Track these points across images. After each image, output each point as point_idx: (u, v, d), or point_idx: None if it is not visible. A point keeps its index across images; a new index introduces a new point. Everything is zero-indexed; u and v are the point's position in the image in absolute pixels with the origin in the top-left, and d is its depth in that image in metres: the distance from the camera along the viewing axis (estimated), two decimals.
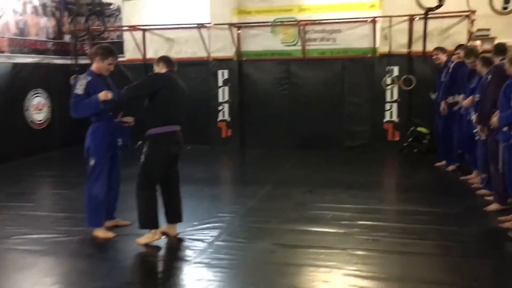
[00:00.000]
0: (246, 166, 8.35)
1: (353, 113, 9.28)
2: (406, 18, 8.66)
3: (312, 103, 9.42)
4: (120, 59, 10.32)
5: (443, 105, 7.00)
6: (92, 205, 4.61)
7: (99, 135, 4.56)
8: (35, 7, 9.28)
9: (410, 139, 8.80)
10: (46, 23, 9.64)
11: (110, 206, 4.86)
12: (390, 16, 8.51)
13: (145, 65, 10.03)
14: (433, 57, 7.43)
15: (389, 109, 9.07)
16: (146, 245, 4.41)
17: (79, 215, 5.29)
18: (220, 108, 9.92)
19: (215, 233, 4.68)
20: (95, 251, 4.38)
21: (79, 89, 4.43)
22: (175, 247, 4.43)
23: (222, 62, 9.83)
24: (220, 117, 9.94)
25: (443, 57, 7.24)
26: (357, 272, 3.70)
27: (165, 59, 4.62)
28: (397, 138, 9.04)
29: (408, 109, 8.98)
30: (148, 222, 4.45)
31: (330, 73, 9.34)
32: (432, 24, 8.66)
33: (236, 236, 4.58)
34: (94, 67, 4.62)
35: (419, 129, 8.77)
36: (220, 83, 9.86)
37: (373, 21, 8.81)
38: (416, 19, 8.58)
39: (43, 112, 9.45)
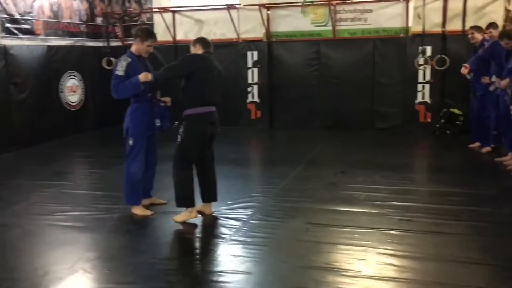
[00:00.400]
0: (276, 147, 8.39)
1: (384, 94, 9.18)
2: None
3: (343, 84, 9.35)
4: None
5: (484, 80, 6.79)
6: (130, 183, 4.74)
7: (138, 116, 4.66)
8: None
9: (442, 121, 8.67)
10: (79, 5, 9.79)
11: (147, 185, 4.99)
12: None
13: (175, 47, 10.14)
14: (469, 36, 7.28)
15: (421, 90, 8.93)
16: (183, 223, 4.53)
17: (116, 193, 5.47)
18: (249, 89, 9.95)
19: (249, 212, 4.76)
20: (134, 228, 4.52)
21: (120, 70, 4.52)
22: (211, 225, 4.53)
23: (251, 44, 9.83)
24: (249, 99, 9.98)
25: (479, 36, 7.07)
26: (392, 252, 3.73)
27: (201, 40, 4.67)
28: (429, 120, 8.91)
29: (441, 90, 8.82)
30: (185, 200, 4.55)
31: (361, 54, 9.23)
32: (468, 2, 8.44)
33: (270, 215, 4.65)
34: (133, 48, 4.70)
35: (452, 110, 8.63)
36: (249, 64, 9.87)
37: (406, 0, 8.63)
38: None
39: (77, 94, 9.66)
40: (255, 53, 9.82)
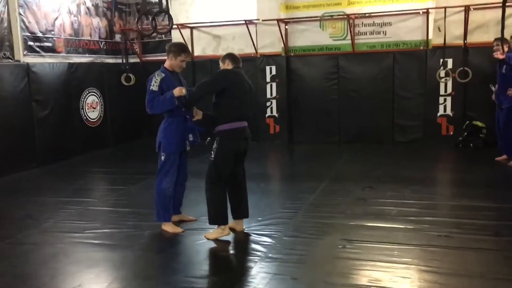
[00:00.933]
0: (297, 161, 8.32)
1: (405, 107, 9.11)
2: (461, 8, 8.40)
3: (362, 98, 9.31)
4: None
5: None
6: (161, 199, 4.70)
7: (171, 131, 4.63)
8: (88, 8, 9.52)
9: (465, 133, 8.57)
10: (98, 23, 9.87)
11: (177, 201, 4.95)
12: (445, 7, 8.26)
13: (193, 63, 10.16)
14: (494, 48, 7.20)
15: (443, 103, 8.85)
16: (215, 240, 4.46)
17: (143, 210, 5.46)
18: (268, 104, 9.93)
19: (281, 228, 4.69)
20: (166, 245, 4.45)
21: (154, 85, 4.51)
22: (244, 242, 4.46)
23: (269, 58, 9.83)
24: (268, 113, 9.95)
25: (505, 48, 6.99)
26: (436, 269, 3.63)
27: (230, 56, 4.65)
28: (451, 133, 8.82)
29: (463, 102, 8.74)
30: (217, 218, 4.49)
31: (381, 67, 9.19)
32: (489, 14, 8.40)
33: (303, 232, 4.57)
34: (167, 64, 4.68)
35: (475, 122, 8.53)
36: (268, 79, 9.87)
37: (427, 12, 8.60)
38: (471, 9, 8.31)
39: (96, 110, 9.69)
40: (273, 67, 9.82)
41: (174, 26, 9.97)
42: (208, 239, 4.49)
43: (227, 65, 4.61)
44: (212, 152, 4.49)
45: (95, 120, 9.67)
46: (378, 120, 9.26)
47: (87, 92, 9.43)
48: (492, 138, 8.19)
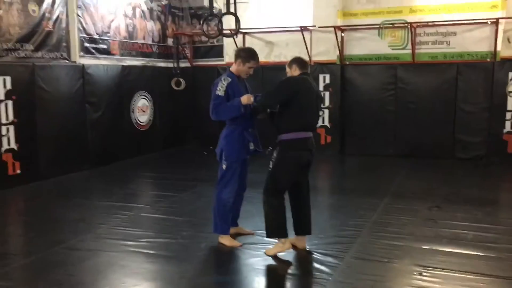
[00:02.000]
0: (352, 174, 7.96)
1: (467, 122, 8.61)
2: None
3: (421, 110, 8.88)
4: (219, 62, 10.54)
5: None
6: (220, 210, 4.46)
7: (234, 139, 4.40)
8: (143, 11, 9.49)
9: None
10: (152, 26, 9.83)
11: (235, 212, 4.71)
12: None
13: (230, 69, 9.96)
14: None
15: (510, 119, 8.30)
16: (275, 257, 4.19)
17: (197, 220, 5.27)
18: (320, 113, 9.56)
19: (345, 248, 4.37)
20: (225, 260, 4.21)
21: (220, 90, 4.30)
22: (307, 261, 4.16)
23: (324, 66, 9.53)
24: (320, 123, 9.62)
25: None
26: None
27: (298, 61, 4.39)
28: None
29: None
30: (276, 231, 4.22)
31: (443, 79, 8.74)
32: None
33: (371, 253, 4.23)
34: (234, 68, 4.47)
35: None
36: (321, 87, 9.55)
37: (496, 22, 8.10)
38: None
39: (146, 114, 9.64)
40: (327, 76, 9.51)
41: (227, 32, 9.89)
42: (268, 255, 4.23)
43: (294, 71, 4.35)
44: (271, 162, 4.23)
45: (144, 123, 9.61)
46: (437, 134, 8.80)
47: (138, 95, 9.38)
48: None
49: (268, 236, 4.29)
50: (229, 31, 8.82)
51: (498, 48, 8.23)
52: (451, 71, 8.65)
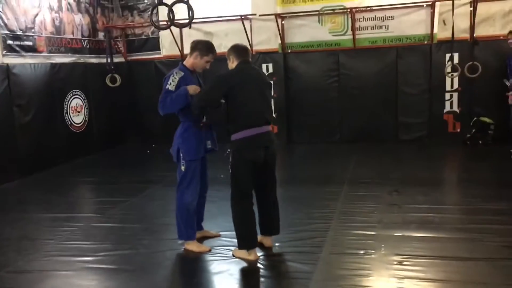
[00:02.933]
0: (304, 163, 7.85)
1: (409, 104, 8.79)
2: (468, 0, 8.13)
3: (364, 96, 8.94)
4: (156, 55, 10.03)
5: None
6: (184, 215, 4.14)
7: (190, 136, 4.08)
8: (69, 3, 8.78)
9: (474, 130, 8.31)
10: (81, 20, 9.14)
11: (198, 215, 4.40)
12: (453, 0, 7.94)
13: (183, 61, 9.55)
14: (509, 41, 6.96)
15: (449, 99, 8.57)
16: (248, 260, 3.95)
17: (156, 226, 4.93)
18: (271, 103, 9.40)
19: (317, 242, 4.22)
20: (196, 267, 3.92)
21: (171, 84, 3.96)
22: (282, 262, 3.95)
23: (266, 55, 9.35)
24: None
25: None
26: None
27: (235, 49, 4.03)
28: (458, 130, 8.55)
29: (470, 98, 8.48)
30: (243, 241, 3.95)
31: (383, 63, 8.84)
32: (494, 6, 8.17)
33: (346, 246, 4.11)
34: (188, 62, 4.14)
35: (482, 119, 8.28)
36: None
37: (432, 5, 8.28)
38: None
39: (81, 114, 8.98)
40: (270, 65, 9.34)
41: (162, 22, 9.41)
42: (234, 256, 3.99)
43: (232, 62, 4.02)
44: (230, 166, 3.95)
45: (80, 124, 8.95)
46: (381, 118, 8.91)
47: (71, 94, 8.71)
48: (501, 133, 7.99)
49: (239, 247, 4.00)
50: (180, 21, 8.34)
51: (435, 30, 8.43)
52: (391, 55, 8.77)
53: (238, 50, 4.03)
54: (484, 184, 5.82)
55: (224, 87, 3.85)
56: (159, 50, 10.00)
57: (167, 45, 9.93)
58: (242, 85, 3.85)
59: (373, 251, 3.96)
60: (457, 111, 8.54)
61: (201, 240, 4.38)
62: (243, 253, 3.98)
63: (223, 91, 3.85)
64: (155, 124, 9.88)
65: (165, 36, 9.84)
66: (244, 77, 3.90)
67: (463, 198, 5.32)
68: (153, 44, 10.03)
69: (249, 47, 8.87)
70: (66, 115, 8.55)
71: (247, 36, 9.23)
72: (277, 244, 4.20)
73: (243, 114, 3.86)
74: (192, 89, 3.98)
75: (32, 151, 7.61)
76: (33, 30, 7.84)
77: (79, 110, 8.93)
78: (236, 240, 4.02)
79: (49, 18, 8.24)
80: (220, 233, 4.56)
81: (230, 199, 3.99)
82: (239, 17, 9.05)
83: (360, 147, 8.56)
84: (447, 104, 8.59)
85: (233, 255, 4.03)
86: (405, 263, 3.71)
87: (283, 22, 9.18)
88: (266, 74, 9.32)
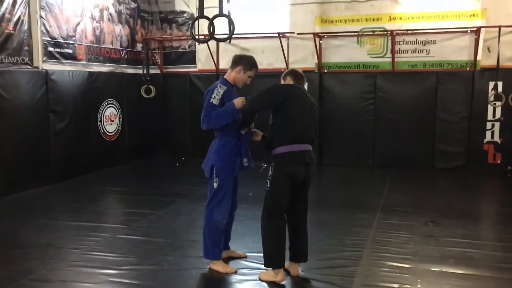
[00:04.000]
0: (335, 187, 7.62)
1: (447, 132, 8.50)
2: None
3: (401, 120, 8.70)
4: (191, 69, 10.06)
5: None
6: (211, 234, 4.01)
7: (227, 153, 3.96)
8: (110, 14, 8.92)
9: None
10: (121, 30, 9.26)
11: (225, 234, 4.26)
12: (499, 26, 7.68)
13: (218, 76, 9.53)
14: None
15: (490, 129, 8.24)
16: (273, 283, 3.78)
17: (182, 242, 4.83)
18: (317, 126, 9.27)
19: (348, 273, 4.00)
20: None
21: (215, 98, 3.86)
22: None
23: None
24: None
25: None
26: None
27: (292, 73, 4.06)
28: (498, 161, 8.20)
29: None
30: (272, 260, 3.82)
31: (422, 88, 8.60)
32: None
33: (379, 280, 3.88)
34: (230, 76, 4.04)
35: None
36: None
37: (477, 31, 8.03)
38: None
39: (114, 123, 9.04)
40: (306, 84, 9.14)
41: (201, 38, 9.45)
42: (261, 279, 3.83)
43: (287, 82, 4.00)
44: (268, 181, 3.83)
45: (112, 133, 9.00)
46: (417, 145, 8.65)
47: (106, 103, 8.78)
48: None
49: (265, 265, 3.88)
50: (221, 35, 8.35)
51: (479, 57, 8.16)
52: (431, 80, 8.53)
53: (296, 74, 4.06)
54: None
55: (280, 95, 3.80)
56: (195, 64, 10.03)
57: (203, 59, 9.95)
58: (296, 99, 3.83)
59: (408, 286, 3.73)
60: (498, 141, 8.20)
61: (226, 260, 4.24)
62: (270, 275, 3.83)
63: (278, 99, 3.78)
64: (186, 137, 9.89)
65: (201, 50, 9.87)
66: (299, 93, 3.90)
67: (504, 234, 4.99)
68: (189, 57, 10.07)
69: (285, 65, 9.01)
70: (100, 123, 8.61)
71: (284, 54, 9.16)
72: (301, 273, 3.99)
73: (292, 128, 3.78)
74: (239, 102, 3.88)
75: (64, 157, 7.67)
76: (74, 38, 7.96)
77: (112, 119, 8.99)
78: (261, 263, 3.86)
79: (90, 27, 8.36)
80: (247, 254, 4.41)
81: (262, 216, 3.87)
82: (277, 35, 8.99)
83: (393, 173, 8.29)
84: (488, 133, 8.26)
85: (260, 279, 3.87)
86: None
87: (321, 41, 9.08)
88: None
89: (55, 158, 7.51)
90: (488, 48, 8.13)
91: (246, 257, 4.37)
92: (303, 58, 9.27)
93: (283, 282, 3.81)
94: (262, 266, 4.05)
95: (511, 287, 3.71)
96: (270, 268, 3.86)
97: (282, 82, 4.05)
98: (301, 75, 4.07)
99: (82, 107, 8.11)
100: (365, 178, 8.16)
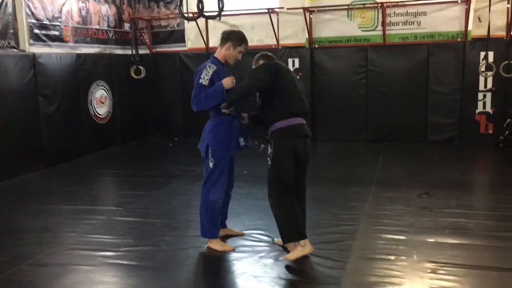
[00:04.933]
0: (330, 162, 7.63)
1: (440, 103, 8.51)
2: None
3: (393, 93, 8.69)
4: (181, 48, 9.94)
5: None
6: (208, 213, 4.01)
7: (222, 132, 3.92)
8: None
9: (507, 132, 7.99)
10: (107, 10, 9.09)
11: (222, 212, 4.27)
12: None
13: (208, 55, 9.36)
14: None
15: (482, 99, 8.26)
16: (274, 261, 3.82)
17: (178, 221, 4.84)
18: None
19: (345, 246, 4.04)
20: (220, 268, 3.79)
21: (204, 78, 3.81)
22: (309, 265, 3.78)
23: (292, 50, 9.16)
24: None
25: None
26: None
27: (264, 56, 4.01)
28: (490, 131, 8.24)
29: (504, 98, 8.15)
30: (295, 233, 3.79)
31: (414, 60, 8.57)
32: None
33: (376, 251, 3.93)
34: (221, 54, 3.98)
35: None
36: None
37: (468, 1, 7.96)
38: None
39: (105, 105, 8.95)
40: (296, 60, 9.15)
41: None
42: (289, 259, 3.78)
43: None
44: (269, 158, 3.81)
45: (104, 116, 8.92)
46: (409, 117, 8.65)
47: (96, 85, 8.67)
48: None
49: (285, 242, 3.86)
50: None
51: (469, 27, 8.12)
52: (422, 52, 8.49)
53: (268, 56, 4.01)
54: None
55: (273, 73, 3.74)
56: (184, 42, 9.91)
57: (193, 38, 9.82)
58: (285, 73, 3.82)
59: (404, 257, 3.77)
60: (490, 111, 8.23)
61: (224, 238, 4.26)
62: (297, 250, 3.77)
63: (272, 77, 3.72)
64: (178, 117, 9.83)
65: (190, 29, 9.74)
66: (286, 68, 3.92)
67: (497, 203, 5.06)
68: (179, 36, 9.93)
69: (276, 41, 8.92)
70: (91, 106, 8.52)
71: (274, 30, 9.06)
72: None
73: (289, 102, 3.76)
74: (228, 82, 3.84)
75: (56, 141, 7.60)
76: (60, 20, 7.81)
77: (103, 102, 8.90)
78: (259, 240, 3.87)
79: (76, 8, 8.20)
80: (244, 231, 4.43)
81: (269, 194, 3.84)
82: (266, 10, 8.87)
83: (387, 146, 8.33)
84: (480, 104, 8.28)
85: (288, 259, 3.78)
86: (439, 271, 3.51)
87: (311, 16, 8.97)
88: (292, 69, 9.14)
89: (47, 142, 7.45)
90: (479, 18, 8.08)
91: (243, 234, 4.40)
92: (293, 34, 9.18)
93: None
94: (260, 244, 4.10)
95: (504, 255, 3.76)
96: (293, 244, 3.82)
97: (254, 66, 3.95)
98: (272, 56, 4.03)
99: (72, 90, 8.01)
100: (359, 153, 8.19)
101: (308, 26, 8.92)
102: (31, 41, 7.24)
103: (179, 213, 5.13)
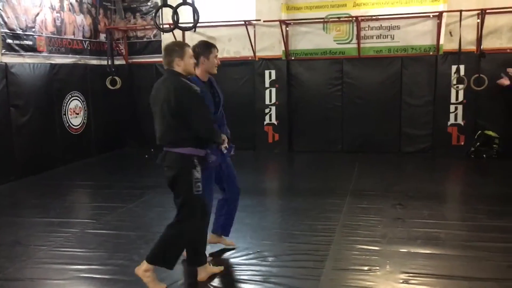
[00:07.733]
0: (306, 173, 7.68)
1: (413, 115, 8.67)
2: (474, 12, 8.03)
3: (368, 105, 8.82)
4: (157, 59, 9.89)
5: None
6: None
7: None
8: (71, 4, 8.66)
9: (478, 144, 8.18)
10: (82, 20, 9.01)
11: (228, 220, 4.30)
12: (461, 11, 7.83)
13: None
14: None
15: (453, 111, 8.45)
16: (246, 270, 3.81)
17: (153, 234, 4.73)
18: (267, 111, 9.31)
19: (320, 257, 4.05)
20: (196, 281, 3.76)
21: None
22: (283, 275, 3.77)
23: (269, 62, 9.23)
24: (266, 121, 9.34)
25: None
26: None
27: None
28: (462, 143, 8.42)
29: (475, 111, 8.36)
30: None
31: (388, 73, 8.74)
32: (502, 19, 8.07)
33: (351, 262, 3.95)
34: (201, 70, 3.85)
35: (487, 132, 8.16)
36: (267, 84, 9.26)
37: (439, 16, 8.17)
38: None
39: (79, 116, 8.83)
40: (273, 71, 9.22)
41: (165, 26, 9.28)
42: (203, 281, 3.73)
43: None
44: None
45: (78, 127, 8.80)
46: (384, 129, 8.79)
47: (70, 96, 8.56)
48: (506, 148, 7.91)
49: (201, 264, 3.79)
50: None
51: (441, 41, 8.32)
52: (396, 65, 8.67)
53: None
54: (489, 199, 5.67)
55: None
56: (161, 53, 9.85)
57: None
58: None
59: (378, 268, 3.81)
60: (462, 123, 8.42)
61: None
62: (208, 269, 3.80)
63: None
64: (154, 128, 9.73)
65: (167, 40, 9.65)
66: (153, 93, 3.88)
67: (468, 213, 5.16)
68: (155, 47, 9.90)
69: (253, 53, 8.96)
70: (64, 116, 8.40)
71: (251, 42, 9.12)
72: (270, 259, 4.02)
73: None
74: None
75: (28, 152, 7.46)
76: (33, 30, 7.71)
77: (77, 112, 8.78)
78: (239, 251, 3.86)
79: (50, 18, 8.11)
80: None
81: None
82: (243, 23, 8.93)
83: (362, 157, 8.43)
84: (452, 116, 8.47)
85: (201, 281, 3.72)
86: (411, 281, 3.56)
87: (287, 28, 9.08)
88: (269, 80, 9.23)
89: (19, 153, 7.30)
90: (450, 32, 8.29)
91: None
92: (270, 46, 9.27)
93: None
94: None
95: (475, 264, 3.82)
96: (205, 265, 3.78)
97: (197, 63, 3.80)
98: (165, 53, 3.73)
99: (45, 100, 7.89)
100: (334, 164, 8.26)
101: (285, 39, 9.01)
102: (4, 51, 7.12)
103: (154, 225, 5.07)
